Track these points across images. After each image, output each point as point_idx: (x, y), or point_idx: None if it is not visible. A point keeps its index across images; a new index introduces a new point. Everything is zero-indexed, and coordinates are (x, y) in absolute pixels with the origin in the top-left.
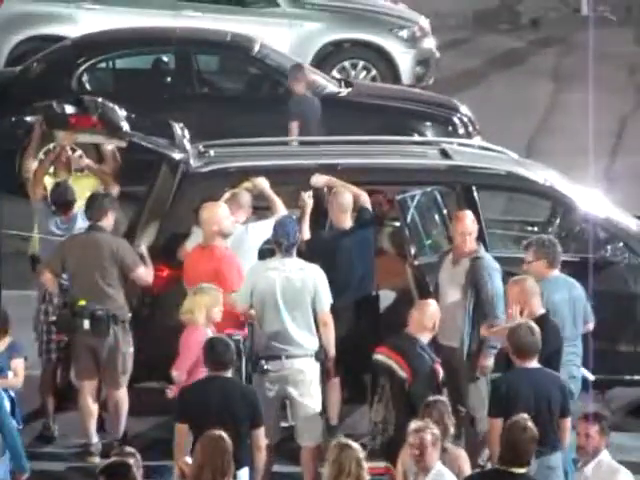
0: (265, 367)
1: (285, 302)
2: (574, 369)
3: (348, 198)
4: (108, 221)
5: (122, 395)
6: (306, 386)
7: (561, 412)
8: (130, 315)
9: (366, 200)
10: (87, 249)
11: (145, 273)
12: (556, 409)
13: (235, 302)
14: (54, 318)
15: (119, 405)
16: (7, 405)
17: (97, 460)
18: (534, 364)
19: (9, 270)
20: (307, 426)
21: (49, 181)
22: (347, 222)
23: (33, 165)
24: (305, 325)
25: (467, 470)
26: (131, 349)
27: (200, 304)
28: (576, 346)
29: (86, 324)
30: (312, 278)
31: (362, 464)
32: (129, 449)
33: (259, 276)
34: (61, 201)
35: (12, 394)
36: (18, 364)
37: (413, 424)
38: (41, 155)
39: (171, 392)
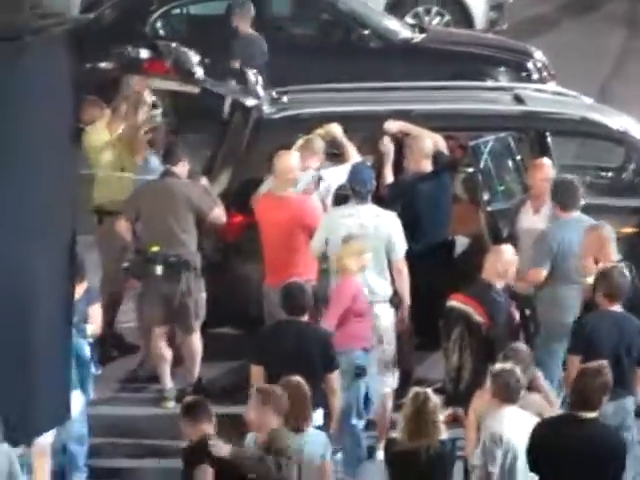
0: None
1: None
2: (576, 310)
3: (429, 143)
4: (183, 167)
5: (195, 340)
6: (381, 332)
7: (639, 359)
8: (202, 261)
9: (443, 145)
10: (160, 195)
11: (219, 213)
12: (635, 354)
13: (311, 247)
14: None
15: (192, 350)
16: (87, 350)
17: (171, 405)
18: (619, 308)
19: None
20: (382, 372)
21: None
22: (427, 167)
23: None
24: (379, 272)
25: (546, 414)
26: (203, 294)
27: (351, 252)
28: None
29: (158, 270)
30: (387, 225)
31: (438, 412)
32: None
33: (333, 223)
34: None
35: (90, 340)
36: (95, 310)
37: (497, 367)
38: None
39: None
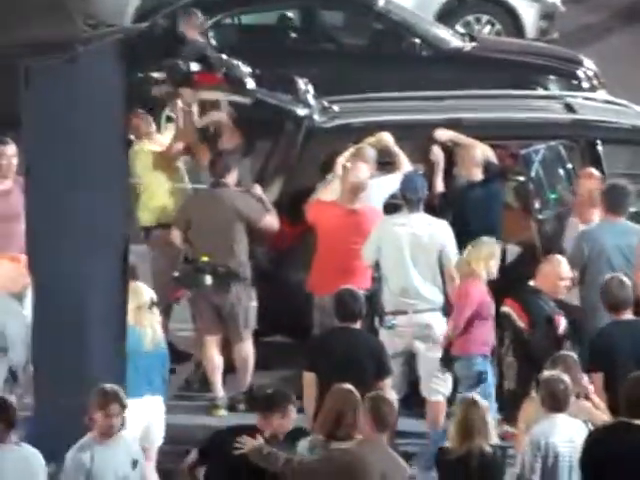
0: (392, 322)
1: (412, 258)
2: None
3: (479, 152)
4: (232, 178)
5: (247, 348)
6: (433, 340)
7: None
8: (254, 270)
9: (492, 155)
10: (210, 205)
11: (272, 220)
12: None
13: (362, 256)
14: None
15: (244, 358)
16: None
17: (223, 413)
18: (628, 316)
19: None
20: (434, 380)
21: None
22: (478, 175)
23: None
24: (432, 280)
25: (597, 421)
26: (253, 303)
27: (479, 256)
28: None
29: (208, 280)
30: (440, 233)
31: (488, 420)
32: None
33: (386, 232)
34: None
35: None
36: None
37: (545, 374)
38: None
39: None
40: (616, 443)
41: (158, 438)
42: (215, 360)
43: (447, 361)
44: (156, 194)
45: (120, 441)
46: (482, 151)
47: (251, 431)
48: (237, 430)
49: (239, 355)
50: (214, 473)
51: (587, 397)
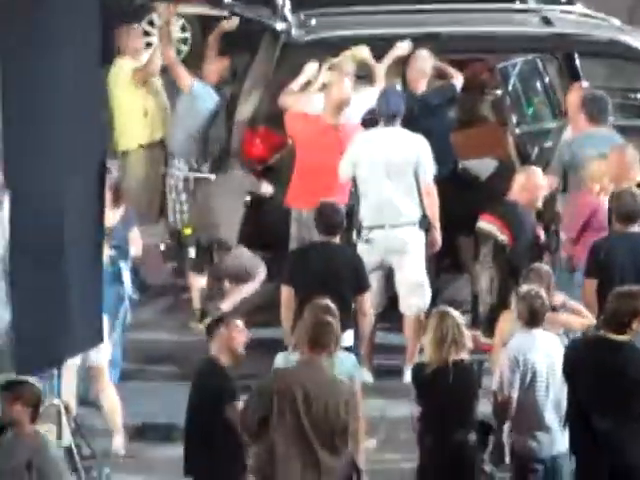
0: (369, 236)
1: (387, 173)
2: None
3: (428, 64)
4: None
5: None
6: (411, 255)
7: None
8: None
9: (456, 78)
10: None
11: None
12: None
13: (339, 170)
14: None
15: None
16: (127, 276)
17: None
18: (635, 228)
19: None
20: (411, 295)
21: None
22: (422, 87)
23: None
24: (408, 194)
25: (574, 327)
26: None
27: (595, 172)
28: None
29: (191, 252)
30: (415, 148)
31: (462, 330)
32: None
33: (361, 147)
34: None
35: (131, 264)
36: (134, 233)
37: (523, 288)
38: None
39: None
40: (594, 358)
41: (103, 356)
42: (198, 284)
43: None
44: (131, 116)
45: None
46: (446, 73)
47: None
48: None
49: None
50: None
51: (554, 309)
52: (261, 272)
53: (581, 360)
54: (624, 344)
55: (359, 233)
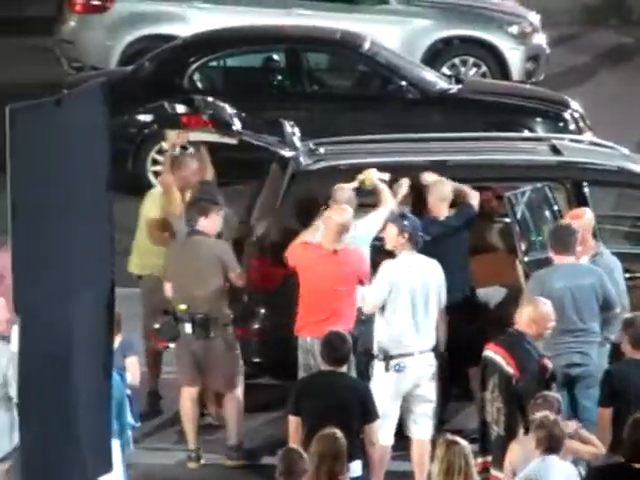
0: (401, 365)
1: (416, 299)
2: (574, 356)
3: (448, 189)
4: (210, 221)
5: (234, 400)
6: (431, 380)
7: None
8: (232, 316)
9: (474, 198)
10: (188, 253)
11: (241, 275)
12: None
13: (367, 300)
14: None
15: (230, 410)
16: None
17: (194, 466)
18: None
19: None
20: (427, 419)
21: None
22: (444, 212)
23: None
24: (431, 320)
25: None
26: (237, 351)
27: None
28: (582, 336)
29: (188, 329)
30: (439, 274)
31: (470, 461)
32: None
33: (396, 274)
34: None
35: (129, 392)
36: (132, 361)
37: (539, 416)
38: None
39: None
40: None
41: None
42: (190, 412)
43: None
44: (144, 239)
45: None
46: (462, 194)
47: None
48: None
49: (226, 407)
50: None
51: (581, 439)
52: None
53: None
54: None
55: (386, 363)
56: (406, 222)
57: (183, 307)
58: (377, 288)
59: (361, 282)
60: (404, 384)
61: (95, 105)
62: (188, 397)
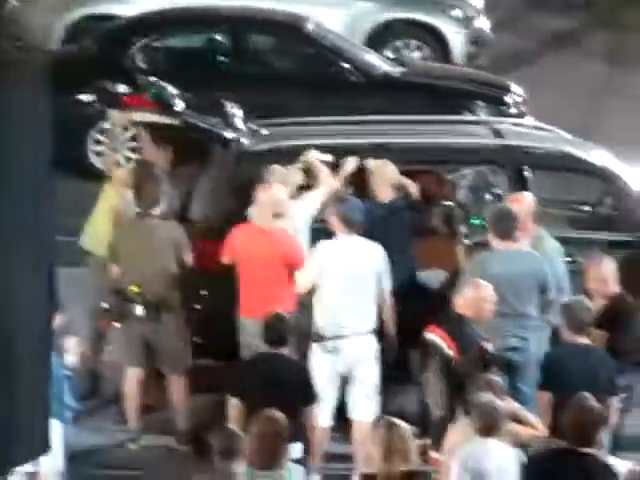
0: (334, 346)
1: (354, 282)
2: (513, 340)
3: (391, 171)
4: (161, 207)
5: (181, 384)
6: (370, 362)
7: (608, 390)
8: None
9: (412, 187)
10: (140, 235)
11: (190, 257)
12: (604, 386)
13: (297, 280)
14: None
15: (178, 393)
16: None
17: (134, 447)
18: (584, 339)
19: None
20: (368, 401)
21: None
22: (388, 195)
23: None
24: (370, 303)
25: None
26: (186, 333)
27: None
28: (520, 320)
29: (139, 310)
30: (378, 257)
31: (410, 443)
32: None
33: (326, 257)
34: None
35: (69, 372)
36: (70, 342)
37: (480, 399)
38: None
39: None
40: (562, 470)
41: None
42: (133, 393)
43: None
44: (94, 219)
45: None
46: (402, 184)
47: None
48: None
49: (173, 390)
50: None
51: (521, 420)
52: None
53: (548, 472)
54: (592, 456)
55: (321, 344)
56: (342, 204)
57: (135, 289)
58: (307, 269)
59: (295, 263)
60: (339, 366)
61: (37, 85)
62: (133, 378)
